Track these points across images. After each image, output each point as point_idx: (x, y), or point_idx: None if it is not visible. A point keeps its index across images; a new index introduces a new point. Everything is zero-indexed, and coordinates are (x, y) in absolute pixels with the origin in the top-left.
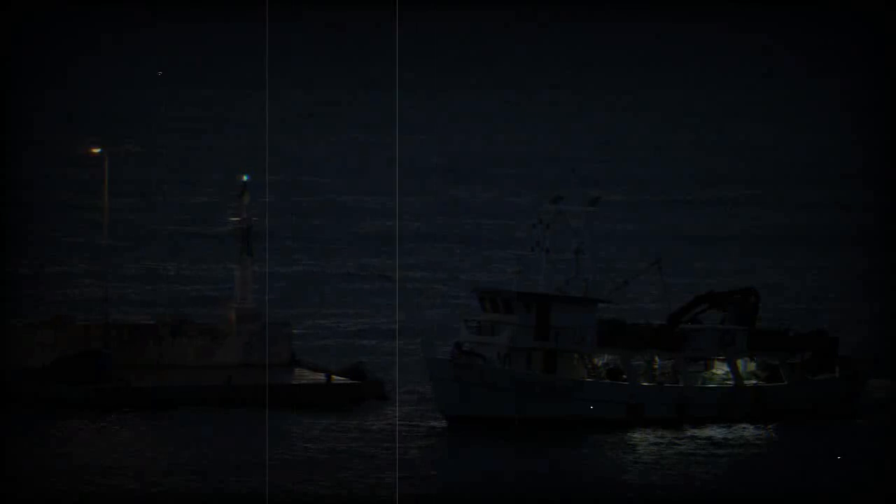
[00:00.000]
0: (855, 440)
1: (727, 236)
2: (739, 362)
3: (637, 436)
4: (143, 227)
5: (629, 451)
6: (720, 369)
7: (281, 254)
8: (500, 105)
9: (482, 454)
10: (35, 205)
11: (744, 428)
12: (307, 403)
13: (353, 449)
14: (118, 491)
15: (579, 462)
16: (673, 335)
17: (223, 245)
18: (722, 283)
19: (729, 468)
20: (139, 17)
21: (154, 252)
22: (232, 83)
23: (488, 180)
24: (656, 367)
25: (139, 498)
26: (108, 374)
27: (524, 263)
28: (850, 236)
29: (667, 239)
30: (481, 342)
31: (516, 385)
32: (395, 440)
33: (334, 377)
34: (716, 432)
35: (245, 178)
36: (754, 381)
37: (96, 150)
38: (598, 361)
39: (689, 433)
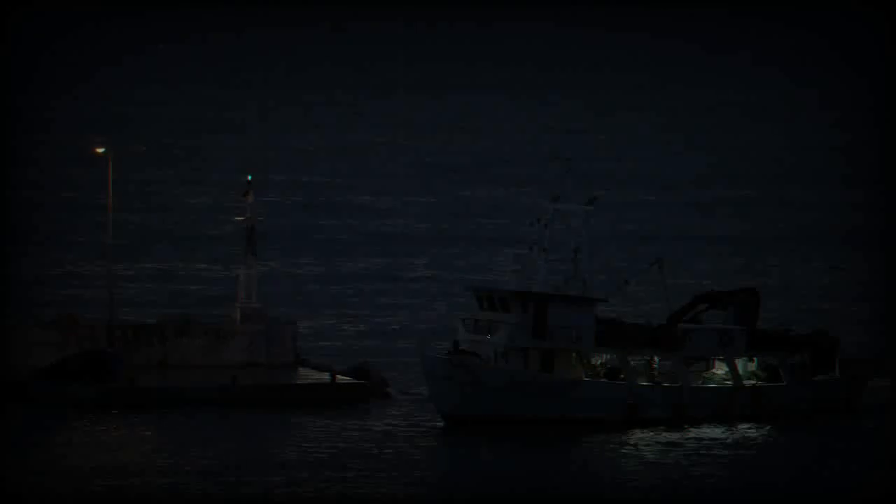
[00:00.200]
0: (855, 440)
1: (728, 236)
2: (739, 362)
3: (637, 436)
4: (147, 227)
5: (629, 451)
6: (720, 369)
7: (282, 253)
8: (501, 105)
9: (481, 454)
10: (40, 205)
11: (743, 428)
12: (311, 403)
13: (355, 449)
14: (121, 491)
15: (579, 462)
16: (671, 335)
17: (228, 245)
18: (723, 283)
19: (729, 468)
20: (143, 17)
21: (159, 252)
22: (233, 83)
23: (491, 180)
24: (655, 366)
25: (141, 498)
26: (116, 374)
27: (522, 262)
28: (851, 237)
29: (667, 239)
30: (478, 341)
31: (512, 384)
32: (396, 440)
33: (338, 377)
34: (716, 432)
35: (249, 177)
36: (753, 382)
37: (101, 151)
38: (596, 361)
39: (689, 433)
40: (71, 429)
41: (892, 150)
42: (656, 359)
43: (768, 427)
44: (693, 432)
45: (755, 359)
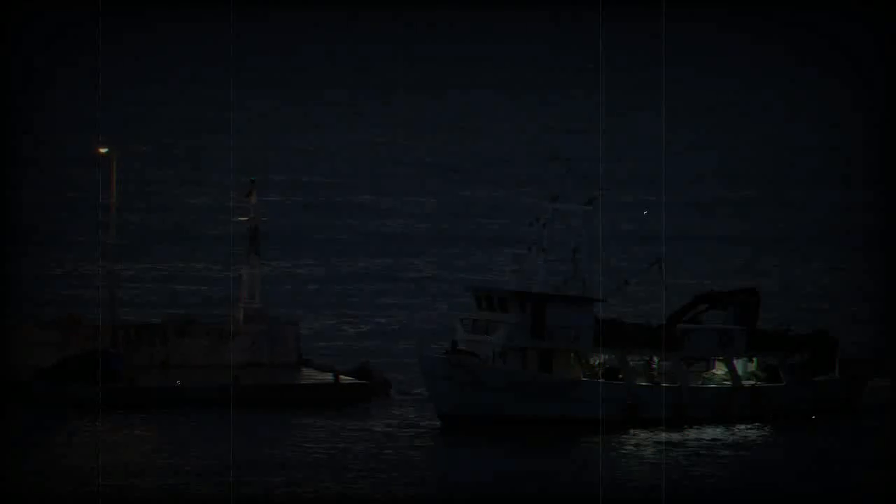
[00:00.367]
0: (855, 440)
1: (728, 236)
2: (738, 363)
3: (636, 436)
4: (147, 227)
5: (629, 451)
6: (720, 370)
7: (282, 254)
8: (501, 105)
9: (481, 454)
10: (42, 205)
11: (742, 428)
12: (314, 403)
13: (355, 449)
14: (122, 491)
15: (578, 462)
16: (671, 335)
17: (231, 245)
18: (723, 283)
19: (729, 468)
20: (145, 16)
21: (159, 252)
22: (236, 83)
23: (491, 180)
24: (654, 367)
25: (142, 498)
26: (118, 374)
27: (522, 262)
28: (851, 237)
29: (668, 239)
30: (477, 341)
31: (510, 384)
32: (397, 440)
33: (341, 377)
34: (716, 433)
35: (251, 179)
36: (752, 382)
37: (104, 150)
38: (595, 361)
39: (688, 433)
40: (71, 429)
41: (892, 150)
42: (655, 359)
43: (768, 427)
44: (693, 432)
45: (755, 359)
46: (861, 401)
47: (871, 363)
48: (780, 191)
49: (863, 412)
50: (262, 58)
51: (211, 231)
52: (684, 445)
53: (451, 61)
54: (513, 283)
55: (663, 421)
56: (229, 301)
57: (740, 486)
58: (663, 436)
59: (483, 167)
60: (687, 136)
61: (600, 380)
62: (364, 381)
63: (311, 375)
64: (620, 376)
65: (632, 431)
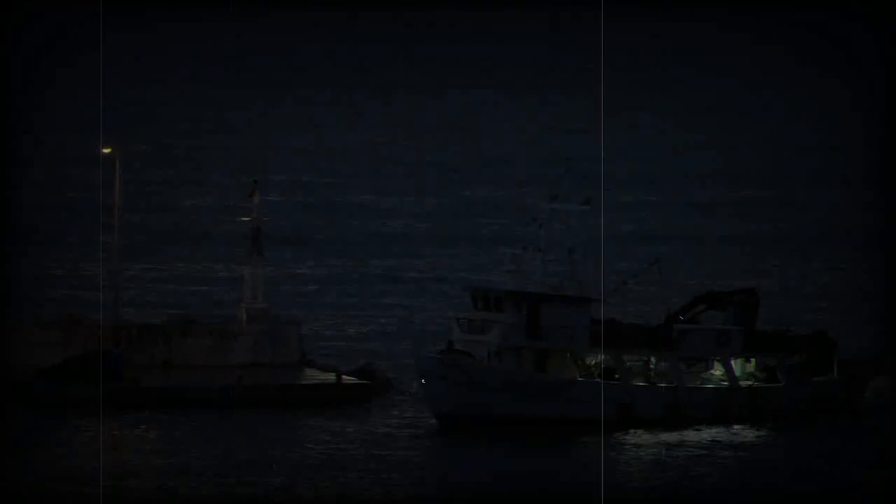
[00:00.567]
0: (854, 440)
1: (728, 236)
2: (737, 363)
3: (635, 436)
4: (148, 227)
5: (628, 452)
6: (719, 370)
7: (282, 254)
8: (501, 105)
9: (481, 454)
10: (43, 205)
11: (741, 429)
12: (317, 403)
13: (355, 449)
14: (123, 492)
15: (578, 462)
16: (667, 335)
17: (233, 245)
18: (723, 283)
19: (729, 469)
20: (145, 16)
21: (160, 252)
22: (233, 83)
23: (491, 180)
24: (652, 367)
25: (144, 499)
26: (120, 374)
27: (519, 262)
28: (851, 237)
29: (668, 239)
30: (472, 341)
31: (506, 384)
32: (397, 440)
33: (344, 377)
34: (715, 433)
35: (253, 179)
36: (750, 382)
37: (107, 151)
38: (591, 361)
39: (688, 434)
40: (72, 429)
41: (892, 150)
42: (653, 359)
43: (767, 428)
44: (693, 433)
45: (753, 359)
46: (861, 401)
47: (870, 364)
48: (780, 191)
49: (863, 412)
50: (262, 58)
51: (212, 231)
52: (684, 446)
53: (451, 61)
54: (510, 283)
55: (659, 421)
56: (232, 301)
57: (740, 487)
58: (662, 436)
59: (483, 167)
60: (687, 136)
61: (596, 379)
62: (366, 382)
63: (314, 375)
64: (617, 376)
65: (631, 431)
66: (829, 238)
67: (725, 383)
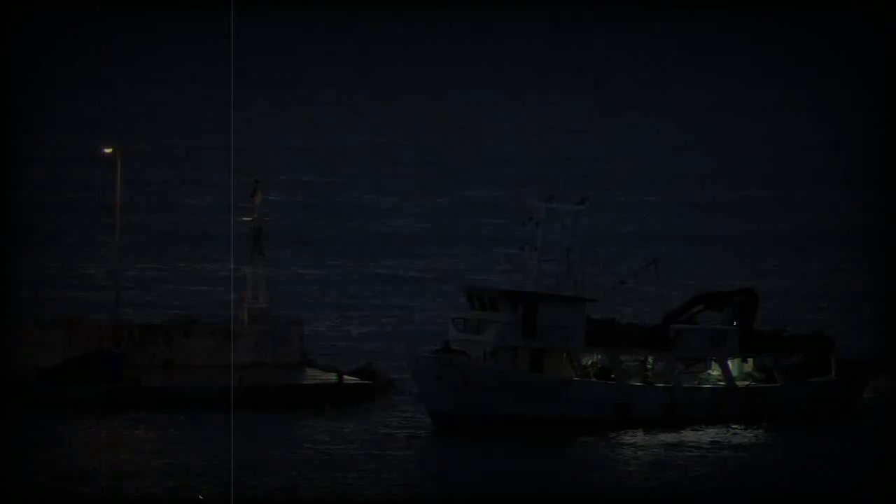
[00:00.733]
0: (854, 440)
1: (728, 236)
2: (734, 363)
3: (634, 436)
4: (153, 227)
5: (627, 452)
6: (716, 370)
7: (282, 254)
8: (501, 105)
9: (480, 454)
10: (42, 205)
11: (739, 429)
12: (318, 403)
13: (355, 449)
14: (124, 492)
15: (578, 462)
16: (663, 335)
17: (234, 245)
18: (724, 283)
19: (729, 469)
20: (147, 16)
21: (161, 252)
22: (234, 83)
23: (491, 180)
24: (649, 367)
25: (144, 499)
26: (120, 374)
27: (515, 262)
28: (851, 237)
29: (668, 239)
30: (468, 341)
31: (501, 384)
32: (397, 440)
33: (345, 377)
34: (715, 433)
35: (254, 179)
36: (747, 383)
37: (108, 150)
38: (587, 361)
39: (688, 434)
40: (72, 429)
41: (892, 150)
42: (650, 359)
43: (765, 428)
44: (693, 433)
45: (748, 360)
46: (860, 402)
47: (870, 364)
48: (780, 191)
49: (862, 413)
50: (262, 58)
51: (213, 231)
52: (683, 446)
53: (451, 61)
54: (505, 283)
55: (657, 421)
56: (234, 301)
57: (740, 487)
58: (661, 436)
59: (483, 167)
60: (687, 136)
61: (592, 379)
62: (368, 382)
63: (315, 376)
64: (613, 376)
65: (630, 432)
66: (829, 238)
67: (723, 383)
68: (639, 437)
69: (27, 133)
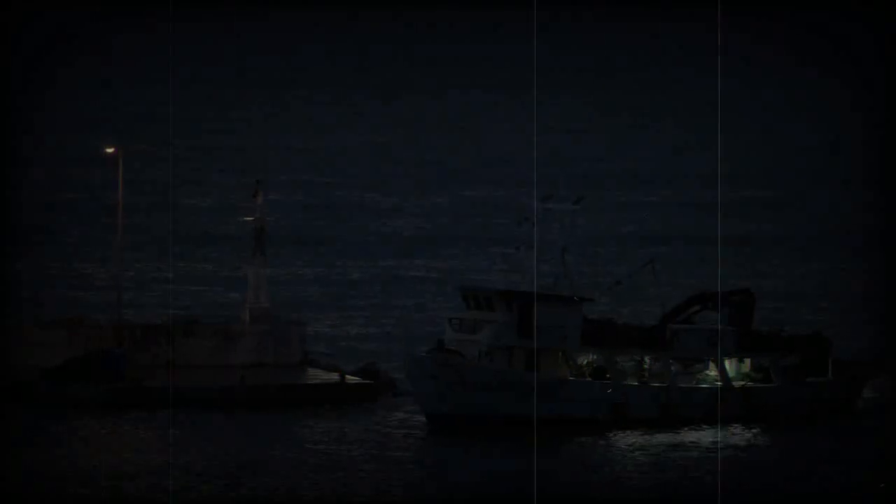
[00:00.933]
0: (853, 441)
1: (728, 236)
2: (731, 363)
3: (634, 436)
4: (154, 227)
5: (626, 452)
6: (713, 370)
7: (282, 254)
8: (501, 105)
9: (480, 454)
10: (42, 205)
11: (741, 429)
12: (320, 403)
13: (354, 449)
14: (124, 492)
15: (576, 462)
16: (660, 335)
17: (236, 245)
18: (724, 283)
19: (728, 469)
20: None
21: (162, 252)
22: (234, 83)
23: (491, 180)
24: (645, 367)
25: (144, 499)
26: (122, 374)
27: (512, 262)
28: (851, 237)
29: (668, 239)
30: (464, 340)
31: (495, 383)
32: (397, 440)
33: (347, 377)
34: (714, 433)
35: (256, 179)
36: (744, 382)
37: (110, 150)
38: (583, 361)
39: (687, 434)
40: (73, 429)
41: (892, 150)
42: (647, 359)
43: (764, 428)
44: (692, 434)
45: (748, 360)
46: (859, 402)
47: (869, 364)
48: (780, 191)
49: (861, 413)
50: (262, 58)
51: (214, 231)
52: (682, 446)
53: (451, 61)
54: (501, 283)
55: (653, 421)
56: (235, 301)
57: (739, 487)
58: (659, 436)
59: (483, 167)
60: (687, 136)
61: (587, 379)
62: (370, 382)
63: (317, 375)
64: (608, 376)
65: (628, 431)
66: (829, 238)
67: (720, 383)
68: (640, 437)
69: (27, 133)
